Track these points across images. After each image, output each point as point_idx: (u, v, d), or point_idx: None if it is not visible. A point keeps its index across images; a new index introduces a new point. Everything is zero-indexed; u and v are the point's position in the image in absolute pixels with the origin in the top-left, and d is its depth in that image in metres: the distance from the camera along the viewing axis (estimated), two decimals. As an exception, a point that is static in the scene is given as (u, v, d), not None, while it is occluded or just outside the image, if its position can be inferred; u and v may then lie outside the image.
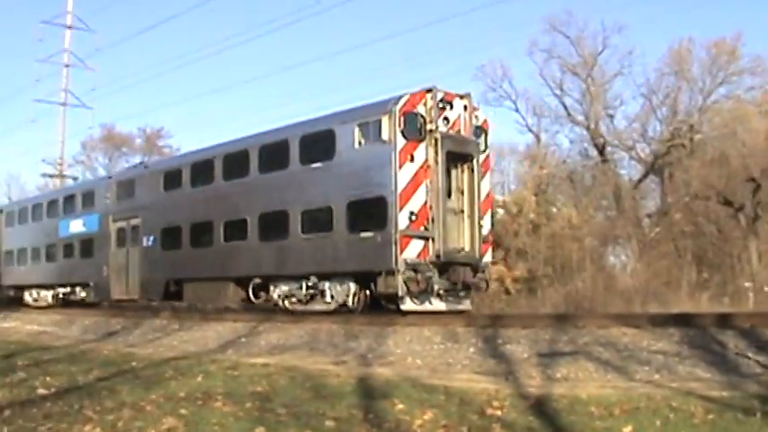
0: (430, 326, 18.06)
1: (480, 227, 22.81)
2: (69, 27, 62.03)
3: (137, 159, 77.94)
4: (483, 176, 23.52)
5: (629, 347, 14.42)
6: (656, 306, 34.42)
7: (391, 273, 21.05)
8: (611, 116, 58.37)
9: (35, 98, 61.95)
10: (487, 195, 24.09)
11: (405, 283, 20.89)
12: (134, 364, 16.66)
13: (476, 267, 22.69)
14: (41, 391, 13.14)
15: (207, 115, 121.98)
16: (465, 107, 23.04)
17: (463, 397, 11.06)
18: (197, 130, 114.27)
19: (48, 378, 14.59)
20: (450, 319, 19.13)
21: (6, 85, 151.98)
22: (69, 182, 56.93)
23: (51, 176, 62.52)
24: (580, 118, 58.51)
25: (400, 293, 21.05)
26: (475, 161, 22.83)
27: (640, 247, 47.42)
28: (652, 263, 44.09)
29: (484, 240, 23.13)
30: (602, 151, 56.34)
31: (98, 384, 13.74)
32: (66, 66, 62.11)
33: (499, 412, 10.07)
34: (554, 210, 52.95)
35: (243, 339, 20.43)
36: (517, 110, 62.16)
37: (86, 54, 64.99)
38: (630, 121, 58.12)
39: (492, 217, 24.92)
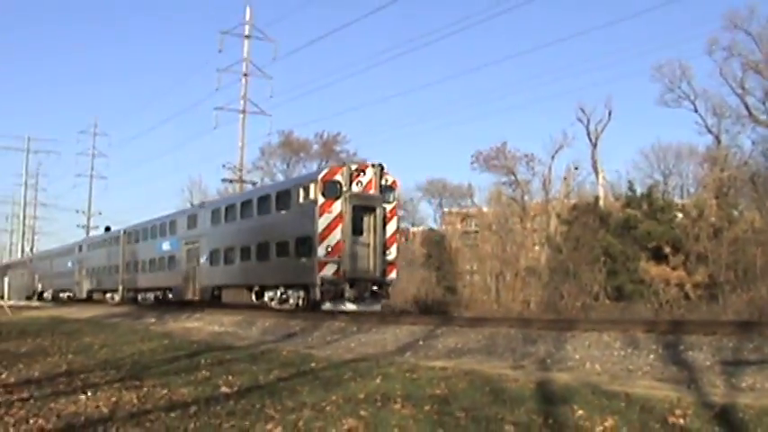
0: (609, 331, 17.76)
1: (385, 255, 32.20)
2: (247, 37, 64.10)
3: (314, 165, 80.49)
4: (389, 220, 32.74)
5: (820, 357, 13.82)
6: None
7: (314, 285, 31.04)
8: (796, 115, 56.18)
9: (216, 106, 64.18)
10: (393, 233, 33.12)
11: (322, 292, 30.83)
12: (313, 365, 16.88)
13: (379, 283, 32.15)
14: (224, 389, 13.63)
15: (383, 120, 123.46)
16: (375, 173, 32.39)
17: (644, 404, 10.80)
18: (373, 134, 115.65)
19: (230, 377, 15.08)
20: (630, 324, 18.83)
21: (189, 94, 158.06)
22: (248, 187, 61.13)
23: (231, 182, 64.69)
24: (763, 117, 56.49)
25: (318, 299, 31.13)
26: (378, 210, 32.17)
27: (828, 252, 45.37)
28: (842, 268, 42.17)
29: (388, 264, 32.42)
30: (787, 152, 54.23)
31: (279, 384, 14.09)
32: (245, 74, 64.08)
33: (682, 421, 9.83)
34: (736, 213, 51.29)
35: (420, 343, 20.48)
36: (696, 110, 60.71)
37: (264, 62, 66.98)
38: (816, 119, 55.72)
39: (398, 249, 34.13)
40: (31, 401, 12.77)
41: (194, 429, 10.34)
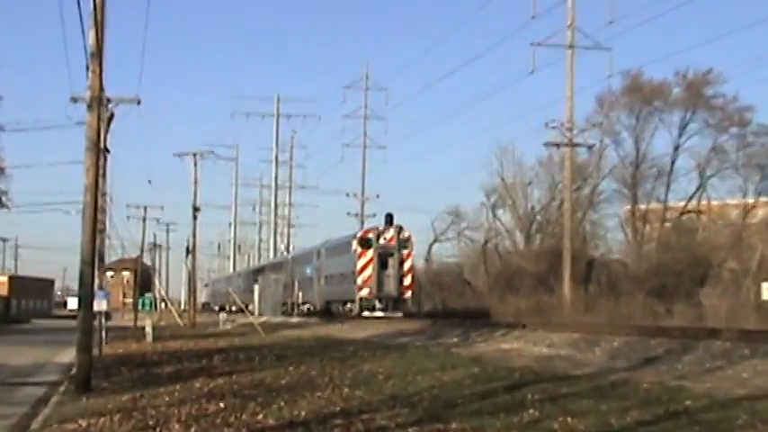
0: None
1: (401, 282, 51.82)
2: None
3: (674, 118, 64.48)
4: (404, 260, 52.27)
5: None
6: None
7: (354, 300, 53.45)
8: None
9: (532, 42, 50.50)
10: (408, 269, 52.63)
11: (360, 305, 52.37)
12: (688, 403, 14.02)
13: (397, 300, 52.05)
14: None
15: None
16: (395, 231, 52.14)
17: None
18: (759, 68, 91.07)
19: (569, 419, 12.84)
20: None
21: (494, 28, 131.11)
22: (582, 151, 55.96)
23: (557, 146, 53.07)
24: None
25: (357, 310, 52.57)
26: (396, 254, 51.72)
27: None
28: None
29: (405, 288, 52.17)
30: None
31: (639, 430, 12.02)
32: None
33: None
34: None
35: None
36: None
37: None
38: None
39: (411, 277, 53.06)
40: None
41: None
